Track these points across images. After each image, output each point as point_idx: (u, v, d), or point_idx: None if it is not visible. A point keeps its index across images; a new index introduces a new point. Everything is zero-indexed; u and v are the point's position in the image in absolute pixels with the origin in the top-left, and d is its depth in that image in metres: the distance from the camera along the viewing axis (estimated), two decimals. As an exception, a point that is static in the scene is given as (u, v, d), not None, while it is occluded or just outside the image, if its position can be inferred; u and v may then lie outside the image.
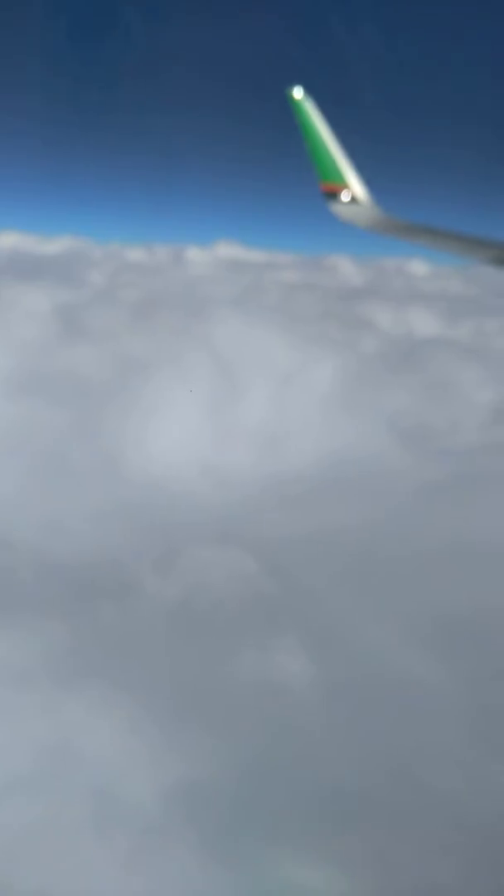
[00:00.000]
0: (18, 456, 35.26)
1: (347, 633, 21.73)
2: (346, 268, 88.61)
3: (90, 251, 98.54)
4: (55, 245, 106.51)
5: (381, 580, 24.75)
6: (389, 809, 14.89)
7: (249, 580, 25.53)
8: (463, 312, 62.28)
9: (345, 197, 9.34)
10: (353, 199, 9.38)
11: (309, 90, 9.06)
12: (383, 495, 32.15)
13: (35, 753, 16.09)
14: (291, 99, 9.05)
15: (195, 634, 21.67)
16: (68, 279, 64.46)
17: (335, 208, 9.40)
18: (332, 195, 9.38)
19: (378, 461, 35.44)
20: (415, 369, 41.77)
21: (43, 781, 15.37)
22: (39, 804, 14.67)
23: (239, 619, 22.64)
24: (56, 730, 16.80)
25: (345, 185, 9.33)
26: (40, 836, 13.70)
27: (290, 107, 9.16)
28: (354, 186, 9.37)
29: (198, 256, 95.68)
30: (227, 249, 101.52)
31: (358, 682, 19.39)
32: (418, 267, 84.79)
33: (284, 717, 17.91)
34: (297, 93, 9.00)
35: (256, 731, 17.26)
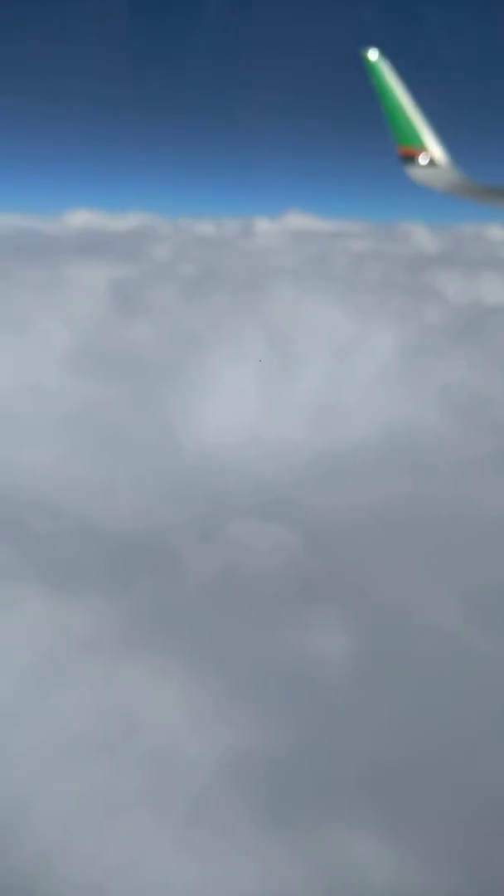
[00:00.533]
0: (76, 430, 36.05)
1: (392, 608, 21.40)
2: (420, 235, 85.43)
3: (159, 227, 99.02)
4: (125, 222, 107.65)
5: (428, 554, 24.19)
6: (439, 785, 14.56)
7: (293, 553, 25.38)
8: None
9: (423, 160, 9.13)
10: (432, 162, 9.17)
11: (384, 51, 8.79)
12: (435, 468, 31.39)
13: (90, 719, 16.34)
14: (367, 61, 8.79)
15: (236, 606, 21.59)
16: (133, 255, 64.99)
17: (413, 172, 9.20)
18: (410, 159, 9.16)
19: (432, 434, 34.48)
20: (478, 339, 39.83)
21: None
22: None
23: (280, 592, 22.44)
24: (113, 697, 17.05)
25: (423, 148, 9.11)
26: (98, 800, 13.96)
27: (361, 71, 8.85)
28: (433, 149, 9.16)
29: (267, 228, 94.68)
30: (297, 220, 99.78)
31: (402, 655, 19.06)
32: (497, 232, 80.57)
33: (326, 690, 17.77)
34: (373, 55, 8.76)
35: (301, 703, 17.18)
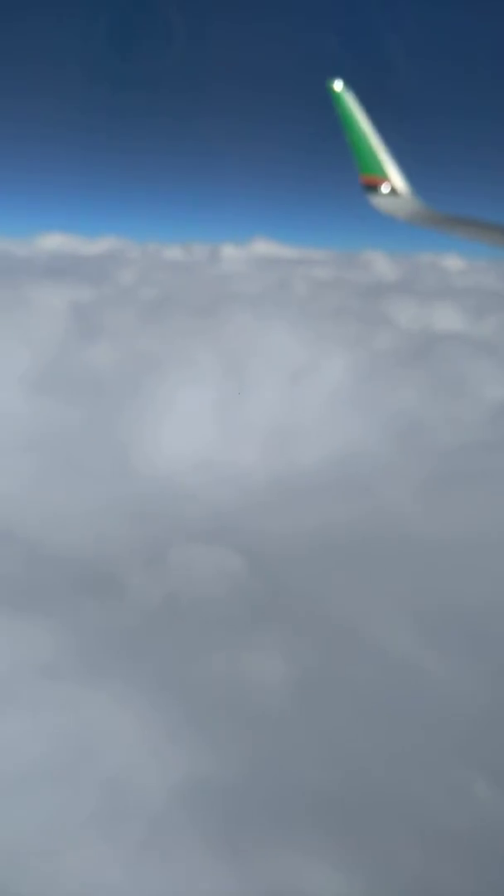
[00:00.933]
0: (31, 452, 36.22)
1: (337, 630, 21.74)
2: (381, 264, 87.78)
3: (129, 251, 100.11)
4: (96, 246, 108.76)
5: (375, 577, 24.64)
6: (385, 809, 14.92)
7: (238, 577, 25.80)
8: (492, 308, 61.16)
9: (385, 189, 9.35)
10: (393, 191, 9.38)
11: (348, 82, 9.03)
12: (380, 492, 32.03)
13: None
14: (332, 91, 9.02)
15: (182, 632, 21.92)
16: (99, 279, 65.88)
17: (375, 200, 9.41)
18: (372, 188, 9.40)
19: (377, 458, 35.32)
20: (425, 366, 41.29)
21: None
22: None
23: (224, 616, 22.80)
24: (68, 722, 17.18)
25: (385, 178, 9.34)
26: (51, 826, 14.04)
27: (326, 103, 9.11)
28: (394, 178, 9.39)
29: (232, 254, 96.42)
30: (263, 247, 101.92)
31: (346, 679, 19.42)
32: (453, 262, 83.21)
33: (259, 713, 18.13)
34: (338, 85, 8.98)
35: (247, 729, 17.46)
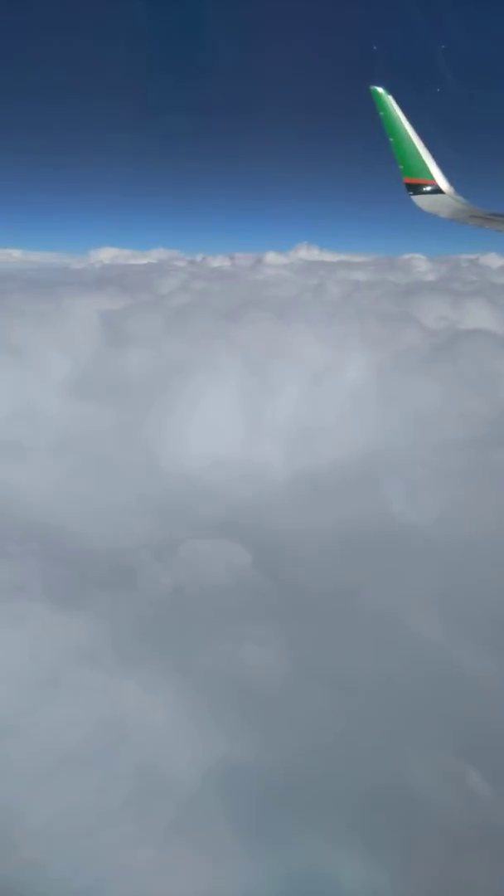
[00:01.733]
0: (67, 452, 38.26)
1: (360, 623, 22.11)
2: (421, 265, 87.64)
3: (176, 262, 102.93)
4: (147, 257, 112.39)
5: (379, 573, 24.88)
6: (402, 798, 15.34)
7: (243, 572, 26.08)
8: None
9: (428, 189, 9.67)
10: (437, 191, 9.68)
11: (389, 87, 9.45)
12: (396, 489, 32.46)
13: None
14: (375, 95, 9.36)
15: (191, 621, 22.62)
16: (141, 288, 68.58)
17: (419, 200, 9.69)
18: (415, 187, 9.70)
19: (396, 455, 35.85)
20: (448, 364, 41.63)
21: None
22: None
23: (230, 608, 23.34)
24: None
25: (428, 179, 9.65)
26: (88, 807, 14.80)
27: (367, 108, 9.45)
28: (438, 178, 9.70)
29: (275, 260, 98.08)
30: (306, 253, 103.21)
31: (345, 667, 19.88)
32: (494, 260, 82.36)
33: (269, 699, 18.65)
34: (380, 90, 9.34)
35: (253, 714, 17.96)
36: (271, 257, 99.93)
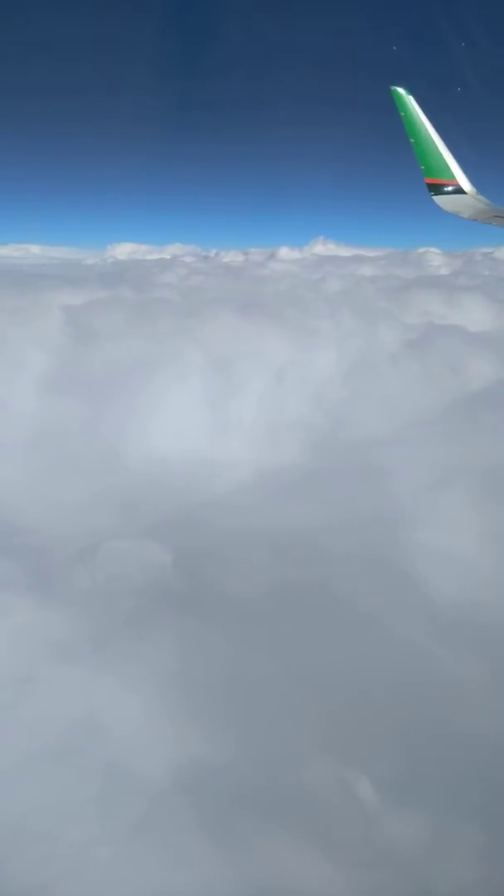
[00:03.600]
0: (35, 448, 38.11)
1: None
2: (434, 259, 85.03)
3: (190, 257, 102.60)
4: (163, 252, 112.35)
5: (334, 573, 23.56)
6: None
7: (162, 573, 26.05)
8: None
9: (449, 189, 9.63)
10: (458, 191, 9.63)
11: (410, 86, 9.45)
12: (346, 492, 31.35)
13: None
14: (396, 96, 9.36)
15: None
16: (137, 284, 68.18)
17: (440, 200, 9.65)
18: (437, 187, 9.67)
19: (357, 452, 34.64)
20: (408, 360, 40.08)
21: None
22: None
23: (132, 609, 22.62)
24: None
25: (450, 179, 9.63)
26: (52, 807, 14.49)
27: (386, 106, 9.43)
28: (460, 179, 9.65)
29: (288, 255, 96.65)
30: (322, 248, 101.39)
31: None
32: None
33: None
34: (401, 90, 9.34)
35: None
36: (284, 252, 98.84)
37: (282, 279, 73.96)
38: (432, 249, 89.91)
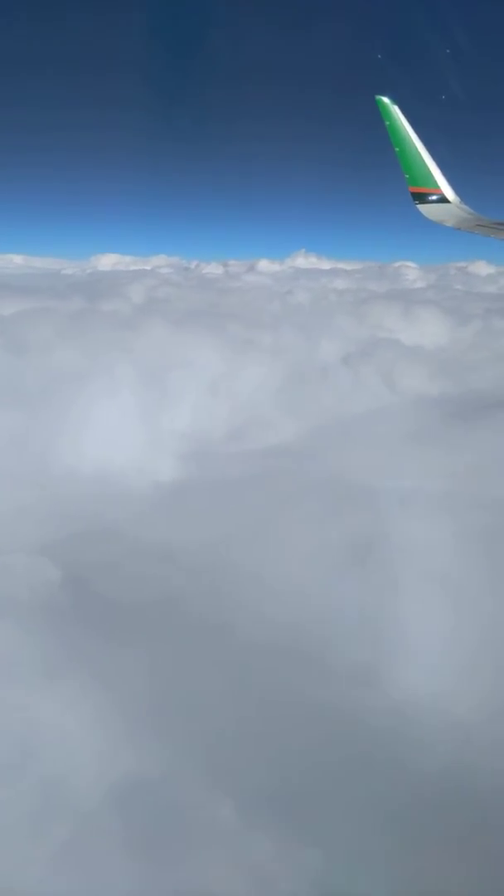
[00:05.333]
0: None
1: None
2: (410, 273, 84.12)
3: (164, 269, 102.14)
4: (148, 264, 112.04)
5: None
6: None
7: (48, 588, 25.33)
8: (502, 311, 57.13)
9: (434, 198, 9.62)
10: (442, 200, 9.63)
11: (395, 95, 9.49)
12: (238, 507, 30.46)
13: None
14: (381, 105, 9.36)
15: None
16: (99, 294, 67.49)
17: (424, 209, 9.64)
18: (421, 196, 9.66)
19: (283, 464, 33.72)
20: (341, 373, 39.07)
21: None
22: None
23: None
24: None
25: (434, 188, 9.62)
26: None
27: (370, 117, 9.43)
28: (444, 188, 9.64)
29: (267, 268, 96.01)
30: (303, 260, 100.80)
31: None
32: (482, 268, 78.39)
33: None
34: (385, 99, 9.35)
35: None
36: (264, 265, 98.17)
37: (249, 291, 73.16)
38: (408, 263, 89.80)
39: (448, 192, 9.59)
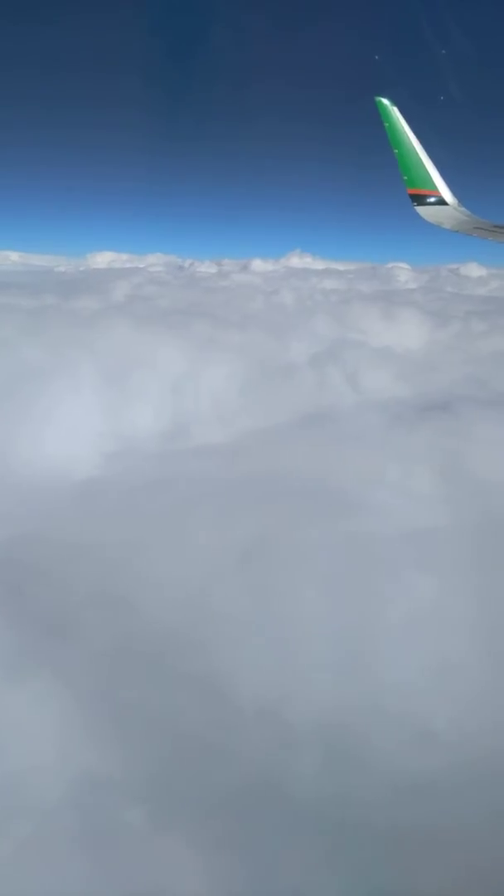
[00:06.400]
0: None
1: None
2: (403, 274, 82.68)
3: (156, 267, 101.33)
4: (144, 262, 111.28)
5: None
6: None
7: None
8: (484, 314, 55.85)
9: (432, 199, 9.61)
10: (440, 202, 9.63)
11: (395, 96, 9.41)
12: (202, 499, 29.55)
13: None
14: (380, 106, 9.29)
15: None
16: (75, 292, 66.65)
17: (422, 211, 9.60)
18: (420, 197, 9.63)
19: (246, 464, 32.77)
20: (313, 375, 38.01)
21: None
22: None
23: None
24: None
25: (432, 190, 9.59)
26: None
27: (369, 119, 9.41)
28: (442, 190, 9.62)
29: (262, 268, 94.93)
30: (298, 260, 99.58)
31: None
32: (474, 270, 76.84)
33: None
34: (385, 101, 9.28)
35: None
36: (257, 264, 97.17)
37: (235, 290, 72.04)
38: (402, 265, 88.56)
39: (446, 194, 9.60)
